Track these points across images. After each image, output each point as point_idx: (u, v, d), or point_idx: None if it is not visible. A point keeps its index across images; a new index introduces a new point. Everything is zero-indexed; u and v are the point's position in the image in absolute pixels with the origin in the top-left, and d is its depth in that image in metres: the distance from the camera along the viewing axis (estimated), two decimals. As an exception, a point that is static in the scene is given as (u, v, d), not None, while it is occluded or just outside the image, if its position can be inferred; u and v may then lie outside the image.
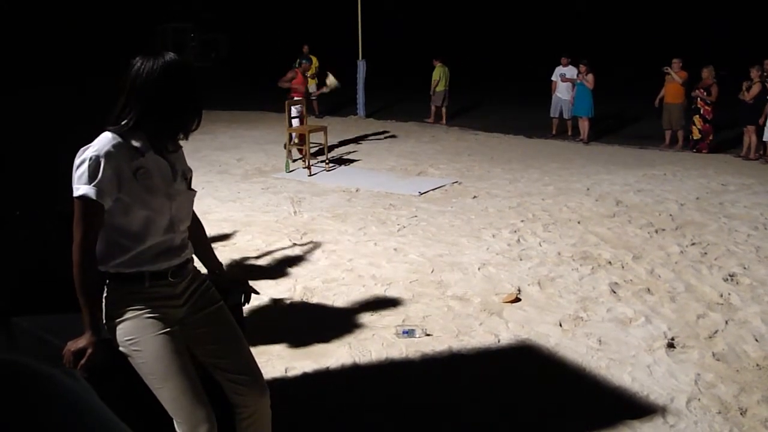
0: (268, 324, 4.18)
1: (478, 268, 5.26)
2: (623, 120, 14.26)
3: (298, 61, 10.21)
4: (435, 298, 4.67)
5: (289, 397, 3.23)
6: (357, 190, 8.14)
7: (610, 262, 5.42)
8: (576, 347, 3.91)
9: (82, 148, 1.91)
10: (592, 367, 3.67)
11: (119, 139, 1.93)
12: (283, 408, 2.54)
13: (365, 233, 6.28)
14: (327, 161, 9.64)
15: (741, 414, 3.20)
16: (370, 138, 12.36)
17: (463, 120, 14.80)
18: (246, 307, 2.52)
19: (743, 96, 10.33)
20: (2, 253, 2.51)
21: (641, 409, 3.24)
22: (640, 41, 27.51)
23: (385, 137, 12.46)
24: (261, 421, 2.20)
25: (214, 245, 2.49)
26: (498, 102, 17.85)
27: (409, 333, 4.02)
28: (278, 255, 5.61)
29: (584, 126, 12.13)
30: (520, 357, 3.84)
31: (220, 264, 2.42)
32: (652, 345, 3.93)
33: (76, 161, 1.90)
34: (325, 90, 11.05)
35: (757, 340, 4.01)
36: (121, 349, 1.99)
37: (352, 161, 10.21)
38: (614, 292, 4.78)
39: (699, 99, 10.84)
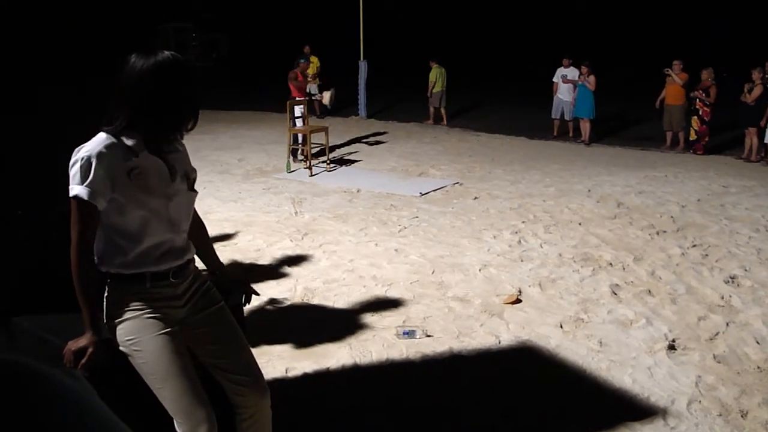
0: (268, 324, 4.18)
1: (479, 269, 5.26)
2: (624, 121, 14.27)
3: (296, 61, 10.22)
4: (436, 299, 4.67)
5: (289, 397, 3.23)
6: (358, 191, 8.14)
7: (611, 264, 5.42)
8: (577, 349, 3.90)
9: (77, 149, 1.91)
10: (592, 369, 3.66)
11: (112, 140, 1.92)
12: (284, 408, 2.53)
13: (366, 234, 6.28)
14: (328, 162, 9.64)
15: (742, 416, 3.19)
16: (372, 138, 12.37)
17: (464, 121, 14.81)
18: (247, 308, 2.52)
19: (745, 98, 10.33)
20: (2, 253, 2.51)
21: (642, 411, 3.24)
22: (641, 42, 27.52)
23: (387, 138, 12.46)
24: (261, 422, 2.19)
25: (214, 245, 2.49)
26: (498, 103, 17.87)
27: (409, 334, 4.02)
28: (279, 255, 5.61)
29: (585, 127, 12.13)
30: (520, 358, 3.84)
31: (222, 264, 2.41)
32: (652, 347, 3.92)
33: (71, 161, 1.90)
34: (322, 100, 11.18)
35: (758, 343, 4.00)
36: (121, 348, 1.99)
37: (354, 162, 10.21)
38: (615, 294, 4.77)
39: (698, 100, 10.85)
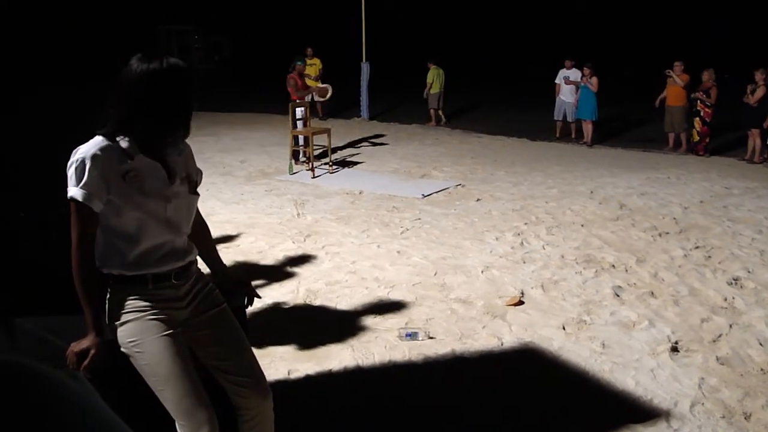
0: (270, 326, 4.18)
1: (482, 271, 5.25)
2: (627, 123, 14.26)
3: (292, 64, 10.14)
4: (438, 300, 4.66)
5: (291, 399, 3.22)
6: (360, 193, 8.14)
7: (613, 266, 5.41)
8: (579, 351, 3.89)
9: (74, 151, 1.92)
10: (595, 371, 3.66)
11: (107, 142, 1.92)
12: (286, 410, 2.53)
13: (368, 235, 6.27)
14: (330, 163, 9.64)
15: (745, 418, 3.18)
16: (374, 140, 12.37)
17: (466, 122, 14.81)
18: (249, 309, 2.52)
19: (748, 99, 10.32)
20: (4, 254, 2.51)
21: (645, 413, 3.23)
22: (641, 43, 27.49)
23: (389, 140, 12.46)
24: (263, 423, 2.19)
25: (217, 247, 2.49)
26: (500, 104, 17.87)
27: (412, 336, 4.02)
28: (281, 257, 5.61)
29: (588, 129, 12.12)
30: (523, 360, 3.83)
31: (224, 266, 2.41)
32: (655, 349, 3.91)
33: (68, 163, 1.90)
34: (316, 96, 11.07)
35: (761, 345, 3.99)
36: (123, 350, 1.99)
37: (356, 163, 10.21)
38: (618, 296, 4.76)
39: (699, 101, 10.84)
